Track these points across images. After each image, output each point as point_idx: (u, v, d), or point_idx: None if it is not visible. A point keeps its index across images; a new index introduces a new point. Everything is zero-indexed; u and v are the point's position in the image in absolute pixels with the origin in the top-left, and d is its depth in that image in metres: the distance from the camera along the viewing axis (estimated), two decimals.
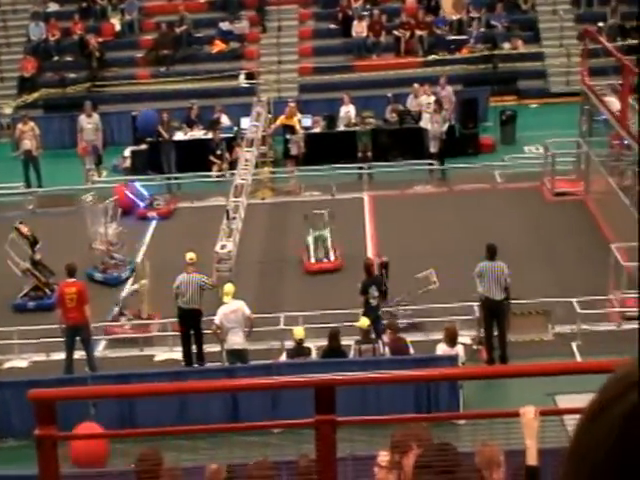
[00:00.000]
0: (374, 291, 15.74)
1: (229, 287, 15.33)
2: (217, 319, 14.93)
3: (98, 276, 18.60)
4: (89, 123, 23.26)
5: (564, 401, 12.60)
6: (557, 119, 24.17)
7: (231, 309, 15.01)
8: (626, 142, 19.09)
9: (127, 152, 24.20)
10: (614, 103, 19.76)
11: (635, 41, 27.63)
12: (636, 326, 16.00)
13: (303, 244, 18.80)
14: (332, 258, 18.58)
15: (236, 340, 14.97)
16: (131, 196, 21.30)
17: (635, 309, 16.06)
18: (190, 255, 15.91)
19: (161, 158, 23.10)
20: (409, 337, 15.14)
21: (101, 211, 18.97)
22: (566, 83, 27.11)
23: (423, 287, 16.47)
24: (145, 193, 21.71)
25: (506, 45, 28.16)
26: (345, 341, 14.85)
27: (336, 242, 18.78)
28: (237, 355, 15.04)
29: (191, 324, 15.49)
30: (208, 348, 15.54)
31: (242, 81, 27.56)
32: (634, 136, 18.47)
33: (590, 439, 1.03)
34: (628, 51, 25.89)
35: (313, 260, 18.51)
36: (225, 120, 24.27)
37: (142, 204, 21.32)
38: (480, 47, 28.01)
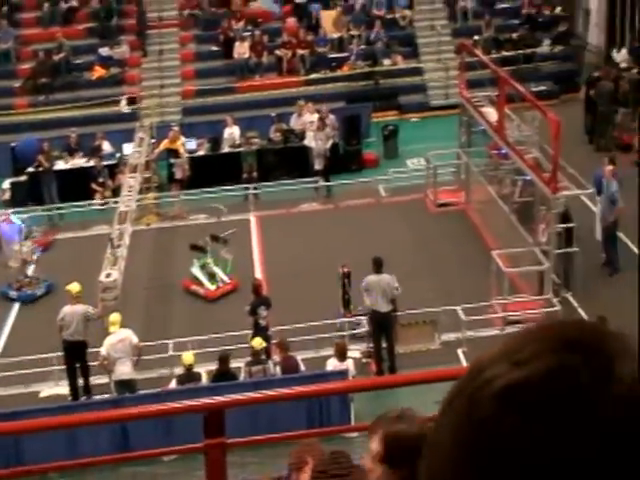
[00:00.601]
0: (263, 311, 15.75)
1: (115, 316, 15.12)
2: (104, 350, 14.72)
3: (13, 294, 18.67)
4: None
5: None
6: (437, 132, 24.61)
7: (118, 338, 14.81)
8: (504, 151, 19.53)
9: (6, 184, 23.69)
10: (491, 114, 20.21)
11: (510, 53, 28.37)
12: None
13: (189, 276, 18.60)
14: (227, 280, 18.51)
15: (124, 370, 14.77)
16: (5, 229, 20.72)
17: (516, 314, 16.44)
18: (73, 286, 15.67)
19: (42, 189, 22.71)
20: (299, 355, 15.18)
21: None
22: (445, 96, 27.63)
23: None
24: (20, 225, 21.19)
25: (386, 61, 28.57)
26: (235, 363, 14.81)
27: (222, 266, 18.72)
28: (125, 385, 14.84)
29: (77, 356, 15.24)
30: (95, 380, 15.30)
31: (124, 106, 27.31)
32: (511, 145, 18.92)
33: (443, 423, 1.00)
34: (503, 63, 26.59)
35: (213, 287, 18.36)
36: (107, 147, 24.02)
37: (17, 237, 20.69)
38: (361, 64, 28.36)
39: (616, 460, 0.93)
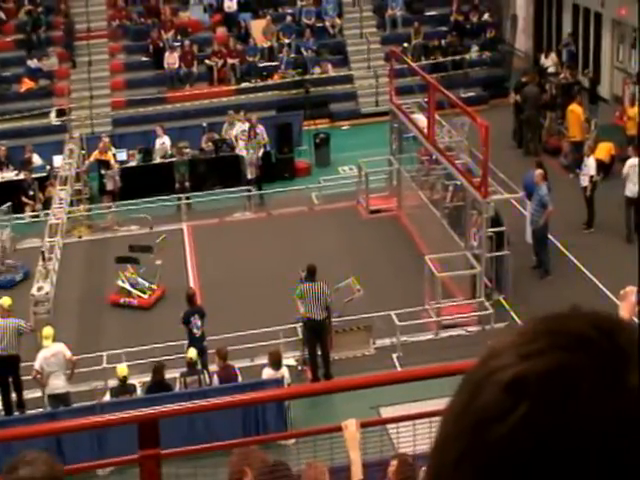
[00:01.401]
0: (197, 320, 15.69)
1: (48, 330, 14.95)
2: (37, 364, 14.56)
3: None
4: None
5: (388, 412, 12.87)
6: (368, 139, 24.78)
7: (51, 352, 14.65)
8: (434, 157, 19.73)
9: None
10: (421, 120, 20.41)
11: (439, 59, 28.68)
12: (452, 334, 16.55)
13: (116, 290, 18.48)
14: (155, 286, 18.43)
15: (58, 384, 14.62)
16: None
17: (450, 317, 16.61)
18: (5, 300, 15.46)
19: None
20: (234, 364, 15.14)
21: None
22: (375, 103, 27.82)
23: (349, 296, 16.51)
24: None
25: (316, 69, 28.68)
26: (170, 374, 14.73)
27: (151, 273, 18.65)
28: (60, 399, 14.68)
29: (9, 371, 15.03)
30: (29, 394, 15.11)
31: (53, 119, 27.01)
32: (441, 151, 19.13)
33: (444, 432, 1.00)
34: (432, 69, 26.88)
35: (145, 296, 18.27)
36: (36, 159, 23.73)
37: None
38: (291, 72, 28.43)
39: (606, 466, 0.92)
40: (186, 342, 15.60)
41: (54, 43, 29.20)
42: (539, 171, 18.50)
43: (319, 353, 15.70)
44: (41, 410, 14.81)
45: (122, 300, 18.26)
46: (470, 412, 0.97)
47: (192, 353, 14.80)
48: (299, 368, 15.90)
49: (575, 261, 18.45)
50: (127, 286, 18.37)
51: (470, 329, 16.53)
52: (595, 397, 0.93)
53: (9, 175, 23.25)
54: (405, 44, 28.72)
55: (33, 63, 28.49)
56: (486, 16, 30.22)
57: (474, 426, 0.96)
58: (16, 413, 15.03)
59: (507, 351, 0.97)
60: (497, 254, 16.97)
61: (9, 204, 21.30)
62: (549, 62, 27.72)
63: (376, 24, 30.39)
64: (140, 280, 18.47)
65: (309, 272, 15.99)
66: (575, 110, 22.96)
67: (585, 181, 19.76)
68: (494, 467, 0.94)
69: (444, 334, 16.39)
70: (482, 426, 0.95)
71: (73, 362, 14.78)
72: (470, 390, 0.98)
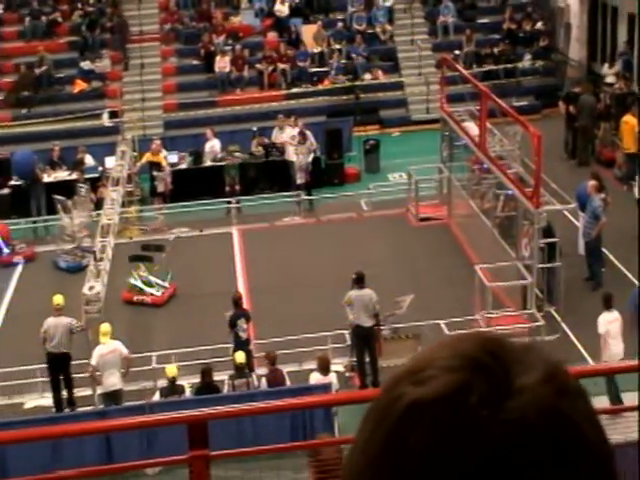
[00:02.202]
0: (243, 324, 15.74)
1: (106, 327, 15.08)
2: (94, 360, 14.72)
3: (63, 264, 19.58)
4: None
5: None
6: (419, 146, 24.71)
7: (108, 349, 14.81)
8: (485, 166, 19.63)
9: None
10: (472, 128, 20.32)
11: (490, 67, 28.56)
12: None
13: (128, 287, 18.61)
14: (167, 284, 18.67)
15: (113, 381, 14.78)
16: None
17: (500, 328, 16.48)
18: (57, 298, 15.62)
19: (30, 201, 22.71)
20: (282, 368, 15.16)
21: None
22: (426, 111, 27.76)
23: (392, 309, 16.54)
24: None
25: (367, 76, 28.69)
26: (218, 376, 14.80)
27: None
28: (112, 397, 14.82)
29: (60, 368, 15.19)
30: (79, 392, 15.25)
31: (106, 120, 27.27)
32: (493, 160, 19.02)
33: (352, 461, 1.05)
34: (484, 77, 26.77)
35: (159, 293, 18.46)
36: (89, 160, 23.97)
37: (6, 249, 20.71)
38: (341, 78, 28.46)
39: (500, 475, 0.97)
40: (232, 345, 15.64)
41: (107, 45, 29.47)
42: (592, 182, 18.34)
43: (367, 360, 15.68)
44: (91, 408, 14.94)
45: (135, 298, 18.39)
46: (375, 441, 1.00)
47: (240, 357, 14.84)
48: (347, 375, 15.89)
49: (628, 274, 18.24)
50: (139, 284, 18.55)
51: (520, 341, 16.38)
52: (478, 414, 0.97)
53: (62, 175, 23.47)
54: (457, 51, 28.63)
55: (86, 65, 28.79)
56: (539, 24, 30.03)
57: (379, 455, 0.99)
58: (66, 410, 15.18)
59: (404, 379, 1.01)
60: (549, 265, 16.82)
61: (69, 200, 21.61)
62: (609, 71, 27.32)
63: (427, 31, 30.35)
64: (152, 278, 18.66)
65: (357, 279, 15.98)
66: (629, 121, 22.72)
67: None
68: None
69: None
70: (386, 455, 0.99)
71: (129, 360, 14.92)
72: (375, 419, 1.01)
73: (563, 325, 16.44)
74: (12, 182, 23.39)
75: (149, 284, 18.59)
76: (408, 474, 0.98)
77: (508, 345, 1.03)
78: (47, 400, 15.51)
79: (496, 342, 1.04)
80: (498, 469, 0.96)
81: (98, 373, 14.68)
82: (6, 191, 23.46)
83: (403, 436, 0.98)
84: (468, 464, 0.96)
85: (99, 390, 14.90)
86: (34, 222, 22.46)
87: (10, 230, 21.16)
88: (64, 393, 15.28)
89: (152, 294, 18.43)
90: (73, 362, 15.22)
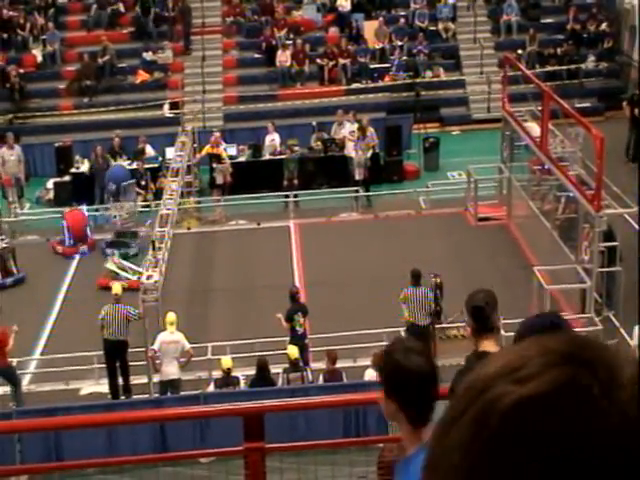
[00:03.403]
0: (299, 318, 15.76)
1: (172, 316, 15.20)
2: (156, 345, 14.85)
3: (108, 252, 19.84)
4: (11, 155, 22.99)
5: None
6: (479, 145, 24.56)
7: (171, 339, 14.95)
8: (546, 167, 19.45)
9: (50, 184, 23.92)
10: (534, 128, 20.13)
11: (554, 68, 28.28)
12: None
13: (105, 273, 18.86)
14: (141, 270, 18.77)
15: (171, 370, 14.91)
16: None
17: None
18: (116, 286, 15.77)
19: (95, 188, 23.01)
20: (338, 363, 15.15)
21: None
22: (487, 110, 27.56)
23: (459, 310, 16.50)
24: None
25: (428, 73, 28.57)
26: (273, 369, 14.83)
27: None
28: (171, 385, 14.94)
29: (117, 355, 15.34)
30: (135, 380, 15.39)
31: (166, 111, 27.49)
32: (554, 161, 18.84)
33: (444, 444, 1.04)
34: (547, 77, 26.52)
35: (134, 277, 18.39)
36: (149, 150, 24.17)
37: (70, 241, 20.87)
38: (402, 75, 28.37)
39: (630, 466, 0.96)
40: (287, 338, 15.68)
41: (169, 37, 29.67)
42: None
43: None
44: (147, 396, 15.07)
45: (109, 283, 18.31)
46: (479, 440, 0.99)
47: (294, 351, 14.86)
48: None
49: None
50: (115, 269, 18.80)
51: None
52: (601, 404, 0.97)
53: (122, 164, 23.68)
54: (519, 51, 28.39)
55: (148, 55, 29.02)
56: (604, 26, 29.66)
57: (486, 458, 0.98)
58: (122, 397, 15.32)
59: (499, 379, 1.00)
60: (609, 269, 16.62)
61: (133, 181, 22.08)
62: None
63: (490, 29, 30.13)
64: (126, 263, 18.91)
65: (413, 277, 15.92)
66: None
67: None
68: None
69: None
70: (495, 457, 0.98)
71: (190, 354, 15.01)
72: (469, 424, 1.00)
73: (622, 331, 16.23)
74: (73, 169, 23.67)
75: (123, 269, 18.76)
76: (522, 474, 0.97)
77: (592, 343, 1.04)
78: (103, 387, 15.68)
79: (582, 340, 1.04)
80: (619, 458, 0.96)
81: (158, 362, 14.80)
82: (67, 178, 23.77)
83: (511, 436, 0.97)
84: (593, 453, 0.96)
85: (157, 377, 15.02)
86: (96, 210, 22.67)
87: (86, 220, 21.23)
88: (120, 380, 15.42)
89: (127, 278, 18.48)
90: (130, 350, 15.35)
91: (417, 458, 3.42)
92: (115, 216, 21.10)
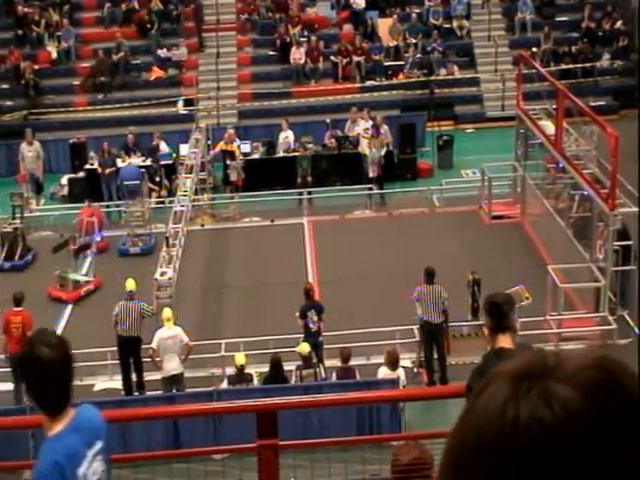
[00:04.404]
0: (313, 315, 15.76)
1: (167, 312, 15.19)
2: (154, 343, 14.85)
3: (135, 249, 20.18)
4: (30, 151, 23.10)
5: None
6: (493, 143, 24.52)
7: (169, 334, 14.92)
8: (561, 165, 19.40)
9: (64, 180, 23.99)
10: (548, 127, 20.09)
11: (568, 66, 28.20)
12: (572, 347, 16.23)
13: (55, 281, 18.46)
14: (88, 278, 18.68)
15: (173, 366, 14.89)
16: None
17: (571, 330, 16.30)
18: (129, 282, 15.81)
19: (102, 186, 23.06)
20: (351, 361, 15.14)
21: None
22: (501, 108, 27.51)
23: (517, 303, 16.42)
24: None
25: (442, 71, 28.53)
26: (287, 366, 14.84)
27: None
28: (173, 381, 14.94)
29: (130, 352, 15.36)
30: (148, 376, 15.41)
31: (181, 108, 27.53)
32: (568, 159, 18.79)
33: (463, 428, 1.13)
34: (561, 76, 26.45)
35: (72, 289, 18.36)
36: (164, 147, 24.21)
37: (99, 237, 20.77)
38: (416, 73, 28.33)
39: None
40: (301, 336, 15.68)
41: (184, 34, 29.71)
42: None
43: (436, 357, 15.61)
44: (160, 392, 15.09)
45: (53, 294, 18.30)
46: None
47: (305, 347, 14.86)
48: (415, 370, 15.84)
49: None
50: (69, 275, 18.47)
51: (591, 344, 16.19)
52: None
53: (136, 161, 23.74)
54: (534, 49, 28.31)
55: (163, 52, 29.06)
56: (619, 24, 29.57)
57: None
58: (136, 394, 15.35)
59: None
60: (623, 268, 16.58)
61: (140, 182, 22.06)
62: None
63: (505, 27, 30.07)
64: (73, 274, 18.59)
65: (427, 275, 15.90)
66: None
67: None
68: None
69: (564, 347, 16.08)
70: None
71: (189, 347, 14.98)
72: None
73: (636, 329, 16.18)
74: (88, 166, 23.73)
75: (73, 279, 18.52)
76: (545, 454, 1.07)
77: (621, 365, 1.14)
78: (117, 383, 15.71)
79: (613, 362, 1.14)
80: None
81: (158, 359, 14.81)
82: (82, 175, 23.83)
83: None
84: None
85: (160, 375, 15.03)
86: (107, 207, 22.73)
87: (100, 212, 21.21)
88: (134, 376, 15.44)
89: (69, 289, 18.24)
90: (143, 346, 15.36)
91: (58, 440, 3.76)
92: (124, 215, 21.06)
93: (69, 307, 18.43)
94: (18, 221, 20.53)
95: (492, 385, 1.12)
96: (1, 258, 19.79)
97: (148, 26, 29.27)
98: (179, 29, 29.75)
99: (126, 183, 21.94)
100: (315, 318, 15.76)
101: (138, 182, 21.75)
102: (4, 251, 19.85)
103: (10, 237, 19.89)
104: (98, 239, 19.96)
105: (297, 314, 15.74)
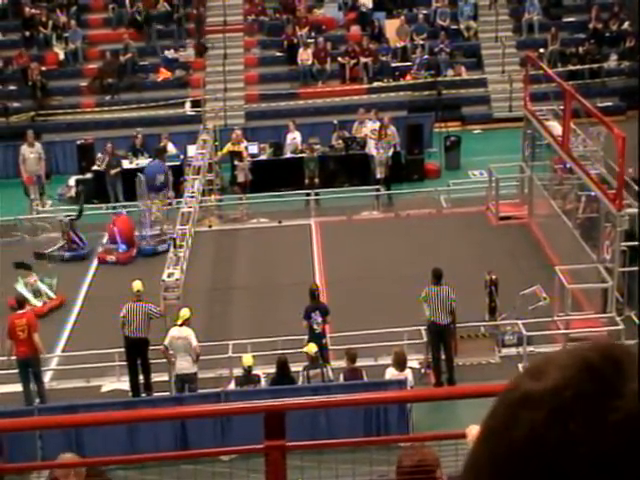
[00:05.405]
0: (317, 317, 15.76)
1: (185, 312, 15.22)
2: (166, 340, 14.91)
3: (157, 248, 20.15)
4: (31, 152, 23.09)
5: None
6: (500, 144, 24.51)
7: (180, 334, 14.97)
8: (568, 166, 19.39)
9: (72, 181, 24.03)
10: (556, 127, 20.08)
11: (575, 67, 28.17)
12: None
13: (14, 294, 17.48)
14: (53, 295, 18.41)
15: (184, 365, 14.94)
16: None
17: (579, 331, 16.28)
18: (136, 284, 15.83)
19: (107, 187, 23.07)
20: (358, 362, 15.14)
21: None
22: (509, 108, 27.50)
23: (534, 303, 16.45)
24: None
25: (449, 72, 28.53)
26: (294, 367, 14.85)
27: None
28: (186, 380, 14.98)
29: (138, 353, 15.38)
30: (156, 377, 15.43)
31: (188, 109, 27.57)
32: (575, 160, 18.77)
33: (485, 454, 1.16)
34: (569, 76, 26.42)
35: (39, 304, 18.01)
36: (171, 148, 24.24)
37: (123, 246, 20.56)
38: (424, 74, 28.33)
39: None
40: (306, 337, 15.69)
41: (190, 35, 29.74)
42: None
43: (443, 357, 15.61)
44: (167, 394, 15.11)
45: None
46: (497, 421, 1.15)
47: (312, 347, 14.87)
48: (422, 371, 15.84)
49: None
50: (25, 292, 17.90)
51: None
52: (582, 407, 1.09)
53: (144, 162, 23.75)
54: (541, 50, 28.29)
55: (170, 54, 29.10)
56: (626, 24, 29.53)
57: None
58: (143, 395, 15.37)
59: (526, 374, 1.18)
60: (630, 269, 16.55)
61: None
62: None
63: (512, 28, 30.05)
64: (42, 287, 18.35)
65: (435, 276, 15.90)
66: None
67: None
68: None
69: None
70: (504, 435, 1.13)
71: (197, 351, 15.01)
72: (501, 404, 1.17)
73: None
74: (95, 167, 23.77)
75: (38, 294, 18.24)
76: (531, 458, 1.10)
77: (630, 354, 1.13)
78: (124, 384, 15.73)
79: (618, 349, 1.14)
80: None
81: (171, 352, 14.85)
82: (89, 176, 23.86)
83: (516, 420, 1.12)
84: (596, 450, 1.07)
85: (173, 372, 15.07)
86: (114, 207, 22.76)
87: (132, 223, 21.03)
88: (141, 378, 15.46)
89: (34, 304, 17.80)
90: (151, 347, 15.39)
91: None
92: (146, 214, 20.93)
93: (75, 309, 18.47)
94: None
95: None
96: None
97: (145, 27, 29.34)
98: (181, 31, 29.72)
99: (153, 178, 21.52)
100: (319, 319, 15.75)
101: (163, 177, 21.40)
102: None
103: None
104: (121, 250, 20.11)
105: (302, 317, 15.74)
